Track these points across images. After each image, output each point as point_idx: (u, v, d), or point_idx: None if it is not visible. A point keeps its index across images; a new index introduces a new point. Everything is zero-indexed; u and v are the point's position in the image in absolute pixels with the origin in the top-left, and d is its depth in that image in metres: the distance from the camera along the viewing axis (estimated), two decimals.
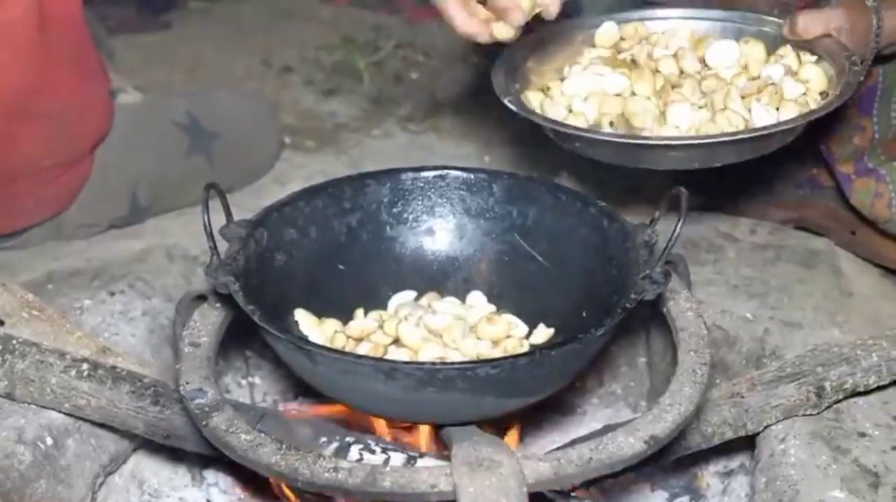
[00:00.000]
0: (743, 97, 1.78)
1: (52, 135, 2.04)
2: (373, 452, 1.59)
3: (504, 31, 1.72)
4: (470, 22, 1.73)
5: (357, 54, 3.10)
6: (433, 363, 1.51)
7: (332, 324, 1.65)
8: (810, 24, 1.85)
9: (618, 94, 1.83)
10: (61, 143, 2.07)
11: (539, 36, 1.95)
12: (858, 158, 2.00)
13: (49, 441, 1.69)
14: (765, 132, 1.71)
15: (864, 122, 2.03)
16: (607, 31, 1.97)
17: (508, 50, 1.89)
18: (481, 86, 2.89)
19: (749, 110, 1.76)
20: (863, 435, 1.70)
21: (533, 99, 1.87)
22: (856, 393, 1.73)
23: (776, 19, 1.92)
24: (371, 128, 2.77)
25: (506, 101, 1.81)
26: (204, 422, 1.44)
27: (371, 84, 2.98)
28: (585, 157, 1.81)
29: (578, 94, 1.85)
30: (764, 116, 1.75)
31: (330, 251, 1.73)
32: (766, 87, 1.78)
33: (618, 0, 2.09)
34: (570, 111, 1.83)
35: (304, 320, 1.64)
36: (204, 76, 3.00)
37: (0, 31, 1.91)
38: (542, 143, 2.46)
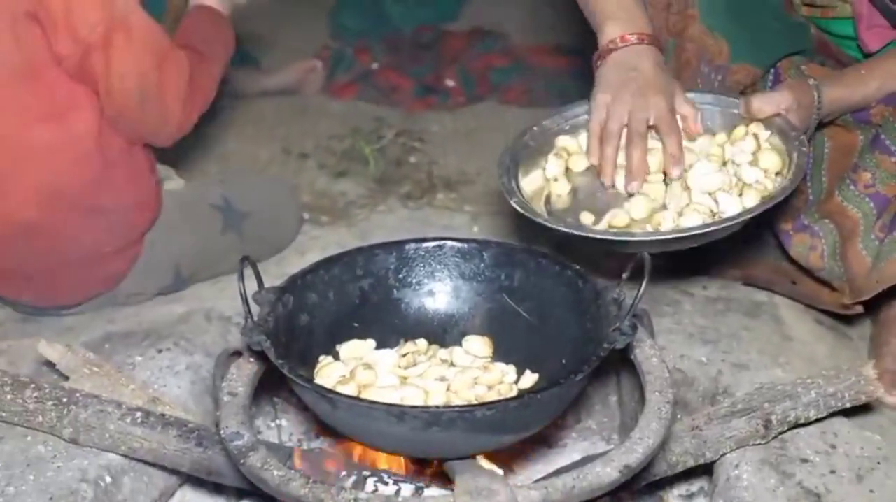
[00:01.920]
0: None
1: (109, 226, 2.07)
2: (386, 484, 1.58)
3: None
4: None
5: (363, 142, 3.10)
6: (437, 406, 1.51)
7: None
8: (763, 105, 1.86)
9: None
10: (117, 232, 2.09)
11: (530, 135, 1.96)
12: (796, 217, 2.01)
13: (108, 479, 1.69)
14: (731, 223, 1.71)
15: (800, 186, 2.01)
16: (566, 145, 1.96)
17: (507, 152, 1.90)
18: (469, 167, 2.92)
19: (716, 200, 1.77)
20: (805, 460, 1.70)
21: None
22: (798, 425, 1.73)
23: (733, 99, 1.93)
24: (377, 204, 2.77)
25: (513, 203, 1.80)
26: (242, 461, 1.44)
27: (376, 167, 2.98)
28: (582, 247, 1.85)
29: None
30: (729, 204, 1.75)
31: (346, 311, 1.72)
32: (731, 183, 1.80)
33: None
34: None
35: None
36: (234, 164, 3.01)
37: (67, 142, 1.97)
38: (521, 215, 2.47)
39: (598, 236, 1.76)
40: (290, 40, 3.99)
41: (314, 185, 2.88)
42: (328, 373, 1.60)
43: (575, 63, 3.44)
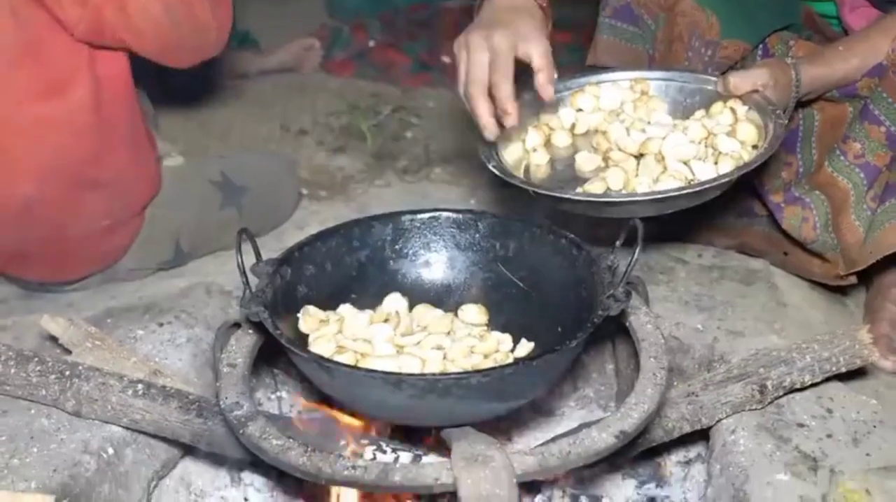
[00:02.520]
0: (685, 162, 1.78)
1: (109, 200, 2.04)
2: (384, 452, 1.58)
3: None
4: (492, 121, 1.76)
5: (360, 118, 3.09)
6: (434, 374, 1.50)
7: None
8: (740, 82, 1.84)
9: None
10: (117, 206, 2.07)
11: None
12: (787, 189, 1.99)
13: (111, 451, 1.68)
14: (706, 186, 1.69)
15: (790, 159, 2.03)
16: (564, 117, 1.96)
17: None
18: (465, 142, 2.90)
19: (691, 169, 1.75)
20: (801, 425, 1.69)
21: (513, 152, 1.88)
22: (794, 390, 1.72)
23: (711, 77, 1.91)
24: (374, 179, 2.76)
25: (490, 167, 1.80)
26: (241, 431, 1.43)
27: (373, 142, 2.97)
28: (559, 211, 1.80)
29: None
30: (705, 171, 1.74)
31: (343, 283, 1.71)
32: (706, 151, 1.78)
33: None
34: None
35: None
36: (234, 140, 3.00)
37: (63, 116, 1.93)
38: (517, 186, 2.46)
39: (575, 198, 1.73)
40: (287, 19, 3.97)
41: (312, 161, 2.87)
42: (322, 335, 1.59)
43: (570, 38, 3.41)
